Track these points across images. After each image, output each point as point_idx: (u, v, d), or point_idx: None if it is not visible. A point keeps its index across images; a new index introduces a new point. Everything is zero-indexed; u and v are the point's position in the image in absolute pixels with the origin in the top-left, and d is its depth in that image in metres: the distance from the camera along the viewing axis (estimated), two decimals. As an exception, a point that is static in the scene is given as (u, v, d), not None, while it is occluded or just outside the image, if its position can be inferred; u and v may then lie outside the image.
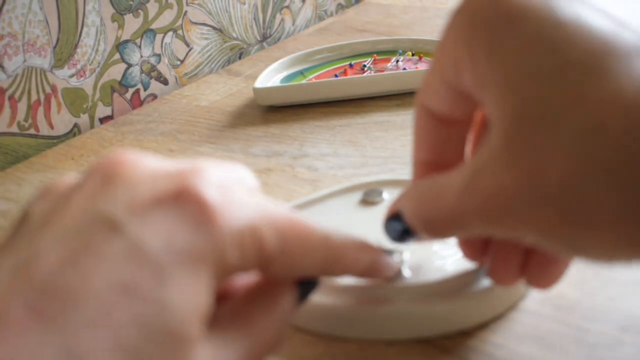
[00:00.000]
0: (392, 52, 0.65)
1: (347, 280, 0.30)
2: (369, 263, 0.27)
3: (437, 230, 0.26)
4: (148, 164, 0.23)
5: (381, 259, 0.28)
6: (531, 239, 0.22)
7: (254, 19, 0.78)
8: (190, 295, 0.20)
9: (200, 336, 0.21)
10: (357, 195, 0.38)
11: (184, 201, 0.21)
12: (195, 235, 0.21)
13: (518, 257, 0.27)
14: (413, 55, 0.63)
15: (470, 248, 0.29)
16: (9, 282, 0.20)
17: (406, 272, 0.30)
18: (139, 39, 0.66)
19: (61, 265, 0.20)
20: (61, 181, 0.24)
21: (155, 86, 0.68)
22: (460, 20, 0.25)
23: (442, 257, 0.32)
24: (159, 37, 0.68)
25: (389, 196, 0.37)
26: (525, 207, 0.22)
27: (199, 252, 0.21)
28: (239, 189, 0.23)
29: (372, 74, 0.60)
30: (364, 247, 0.27)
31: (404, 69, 0.61)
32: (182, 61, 0.71)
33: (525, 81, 0.22)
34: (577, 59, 0.21)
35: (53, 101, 0.59)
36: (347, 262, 0.26)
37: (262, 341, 0.23)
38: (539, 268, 0.27)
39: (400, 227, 0.27)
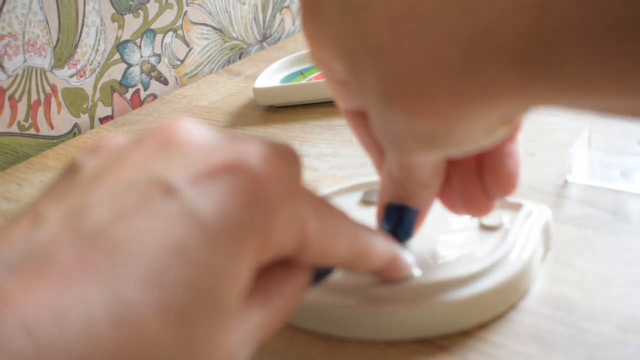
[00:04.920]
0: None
1: (348, 281, 0.30)
2: (391, 259, 0.28)
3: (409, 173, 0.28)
4: (202, 133, 0.23)
5: (402, 256, 0.29)
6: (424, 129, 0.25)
7: (254, 19, 0.78)
8: (235, 267, 0.21)
9: (238, 309, 0.21)
10: (357, 195, 0.38)
11: (238, 173, 0.21)
12: (245, 208, 0.21)
13: (474, 180, 0.29)
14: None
15: (446, 199, 0.31)
16: (58, 229, 0.19)
17: (416, 272, 0.30)
18: (139, 39, 0.66)
19: (113, 218, 0.20)
20: (112, 139, 0.24)
21: (155, 86, 0.68)
22: (302, 23, 0.27)
23: (442, 257, 0.32)
24: (159, 37, 0.68)
25: (389, 196, 0.37)
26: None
27: (248, 225, 0.21)
28: (287, 167, 0.23)
29: (372, 74, 0.60)
30: (388, 243, 0.28)
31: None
32: (182, 61, 0.71)
33: (339, 34, 0.25)
34: None
35: (53, 101, 0.59)
36: (373, 256, 0.27)
37: (275, 315, 0.24)
38: (495, 178, 0.29)
39: (396, 210, 0.29)
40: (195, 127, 0.24)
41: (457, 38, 0.21)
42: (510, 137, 0.28)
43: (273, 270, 0.24)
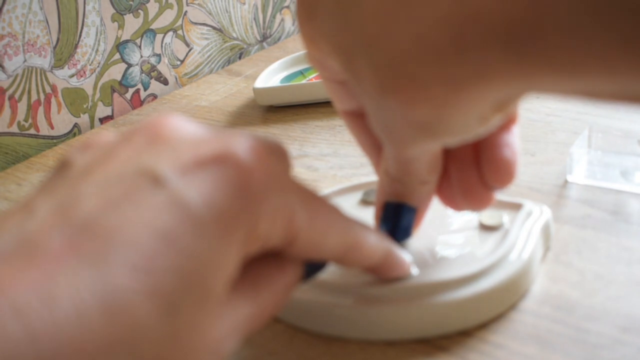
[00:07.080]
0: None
1: (348, 280, 0.30)
2: (384, 256, 0.28)
3: (405, 166, 0.28)
4: (191, 128, 0.24)
5: (396, 253, 0.29)
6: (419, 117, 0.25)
7: (254, 19, 0.78)
8: (222, 255, 0.21)
9: (225, 298, 0.21)
10: (357, 195, 0.38)
11: (225, 164, 0.22)
12: (232, 198, 0.21)
13: (471, 172, 0.29)
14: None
15: (445, 195, 0.31)
16: (49, 218, 0.20)
17: (414, 270, 0.30)
18: (139, 39, 0.66)
19: (103, 207, 0.20)
20: (101, 135, 0.25)
21: (155, 86, 0.68)
22: (298, 23, 0.28)
23: (441, 257, 0.32)
24: (159, 37, 0.68)
25: (389, 196, 0.37)
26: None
27: (235, 214, 0.21)
28: (275, 161, 0.23)
29: (372, 74, 0.60)
30: (382, 238, 0.28)
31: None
32: (182, 61, 0.71)
33: (334, 31, 0.25)
34: None
35: (53, 101, 0.59)
36: (365, 251, 0.27)
37: (263, 308, 0.24)
38: (492, 167, 0.29)
39: (394, 209, 0.29)
40: (183, 122, 0.24)
41: (448, 23, 0.21)
42: (506, 128, 0.29)
43: (264, 264, 0.24)
